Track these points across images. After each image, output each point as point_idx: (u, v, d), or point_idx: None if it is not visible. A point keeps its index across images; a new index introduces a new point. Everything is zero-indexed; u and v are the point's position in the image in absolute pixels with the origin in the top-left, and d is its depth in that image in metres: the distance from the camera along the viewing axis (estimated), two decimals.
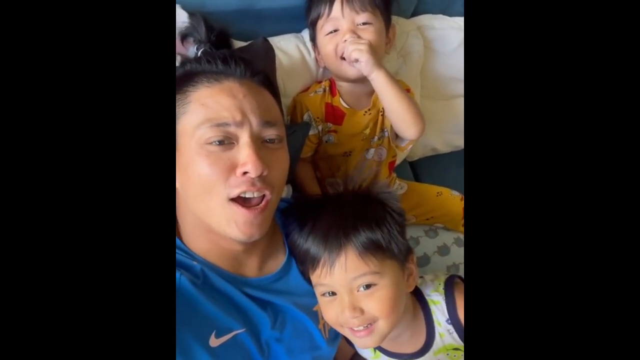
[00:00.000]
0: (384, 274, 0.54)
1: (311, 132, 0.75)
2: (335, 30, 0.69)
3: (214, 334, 0.50)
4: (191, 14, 0.61)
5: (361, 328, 0.54)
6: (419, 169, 1.04)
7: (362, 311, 0.53)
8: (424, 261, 0.84)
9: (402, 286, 0.57)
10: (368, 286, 0.54)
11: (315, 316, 0.60)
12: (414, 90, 0.91)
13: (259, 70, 0.56)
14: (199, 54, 0.59)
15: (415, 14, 0.88)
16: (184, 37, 0.60)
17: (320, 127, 0.76)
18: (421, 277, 0.67)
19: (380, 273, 0.54)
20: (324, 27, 0.70)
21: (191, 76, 0.52)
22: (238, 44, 0.67)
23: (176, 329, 0.47)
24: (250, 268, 0.58)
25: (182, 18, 0.60)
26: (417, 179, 1.02)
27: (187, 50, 0.60)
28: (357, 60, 0.67)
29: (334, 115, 0.76)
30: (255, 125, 0.50)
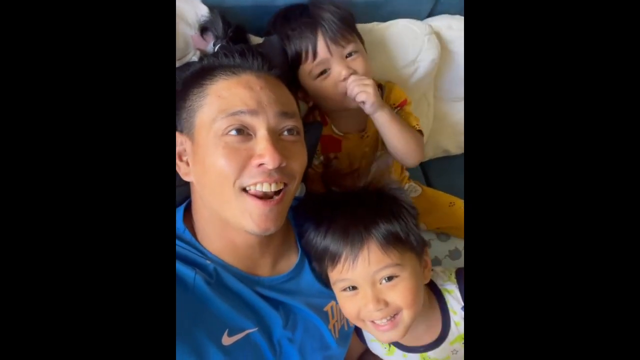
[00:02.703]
0: (405, 266, 0.55)
1: (315, 162, 0.75)
2: (326, 71, 0.66)
3: (226, 332, 0.50)
4: (210, 9, 0.61)
5: (384, 322, 0.54)
6: (430, 170, 1.03)
7: (386, 303, 0.54)
8: (435, 264, 0.84)
9: (421, 277, 0.58)
10: (390, 278, 0.54)
11: (326, 316, 0.60)
12: (427, 93, 0.90)
13: (276, 65, 0.55)
14: (216, 49, 0.58)
15: (432, 14, 0.87)
16: (202, 31, 0.60)
17: (321, 158, 0.75)
18: (432, 269, 0.67)
19: (401, 265, 0.54)
20: (312, 71, 0.66)
21: (209, 70, 0.52)
22: (256, 40, 0.67)
23: (189, 327, 0.47)
24: (263, 267, 0.57)
25: (202, 12, 0.60)
26: (427, 179, 1.01)
27: (207, 44, 0.59)
28: (363, 102, 0.65)
29: (331, 144, 0.75)
30: (272, 117, 0.49)
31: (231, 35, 0.59)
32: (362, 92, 0.64)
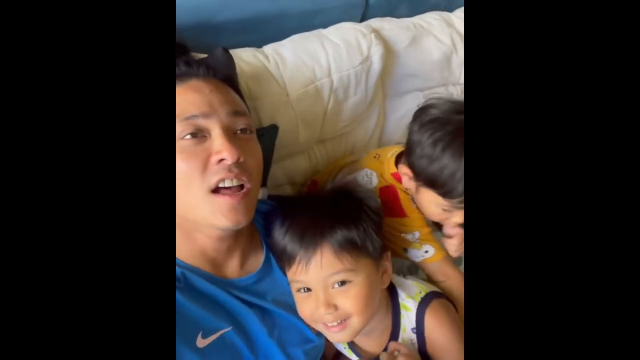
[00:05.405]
0: (359, 271, 0.55)
1: None
2: None
3: (200, 334, 0.50)
4: None
5: (335, 324, 0.55)
6: None
7: (336, 307, 0.55)
8: None
9: (377, 283, 0.58)
10: (343, 283, 0.55)
11: None
12: (378, 93, 0.94)
13: (220, 72, 0.58)
14: None
15: (363, 19, 0.94)
16: None
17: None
18: (411, 278, 0.68)
19: (354, 270, 0.55)
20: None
21: None
22: (199, 56, 0.70)
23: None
24: (231, 269, 0.58)
25: None
26: None
27: None
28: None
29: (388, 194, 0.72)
30: (225, 116, 0.51)
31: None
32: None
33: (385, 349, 0.61)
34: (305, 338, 0.61)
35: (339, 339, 0.58)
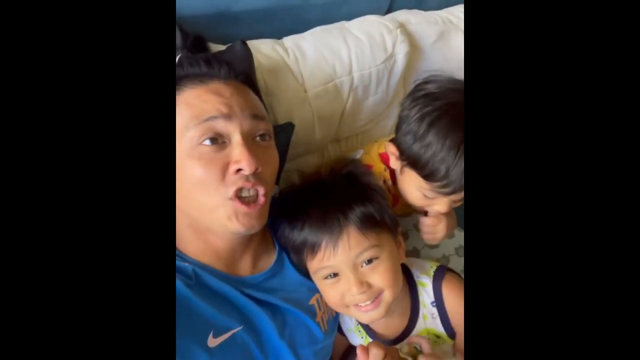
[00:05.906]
0: (383, 247, 0.57)
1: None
2: None
3: (211, 333, 0.50)
4: None
5: (368, 302, 0.56)
6: None
7: (369, 285, 0.55)
8: (444, 262, 0.82)
9: (397, 257, 0.60)
10: (370, 261, 0.56)
11: (313, 310, 0.61)
12: (399, 91, 0.90)
13: (242, 71, 0.57)
14: (177, 60, 0.59)
15: (390, 11, 0.90)
16: None
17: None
18: (417, 257, 0.70)
19: (379, 246, 0.56)
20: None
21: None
22: (216, 47, 0.68)
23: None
24: (244, 267, 0.58)
25: None
26: None
27: None
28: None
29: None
30: (245, 120, 0.51)
31: (190, 45, 0.60)
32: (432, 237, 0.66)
33: (403, 335, 0.62)
34: (314, 338, 0.61)
35: (372, 317, 0.58)
